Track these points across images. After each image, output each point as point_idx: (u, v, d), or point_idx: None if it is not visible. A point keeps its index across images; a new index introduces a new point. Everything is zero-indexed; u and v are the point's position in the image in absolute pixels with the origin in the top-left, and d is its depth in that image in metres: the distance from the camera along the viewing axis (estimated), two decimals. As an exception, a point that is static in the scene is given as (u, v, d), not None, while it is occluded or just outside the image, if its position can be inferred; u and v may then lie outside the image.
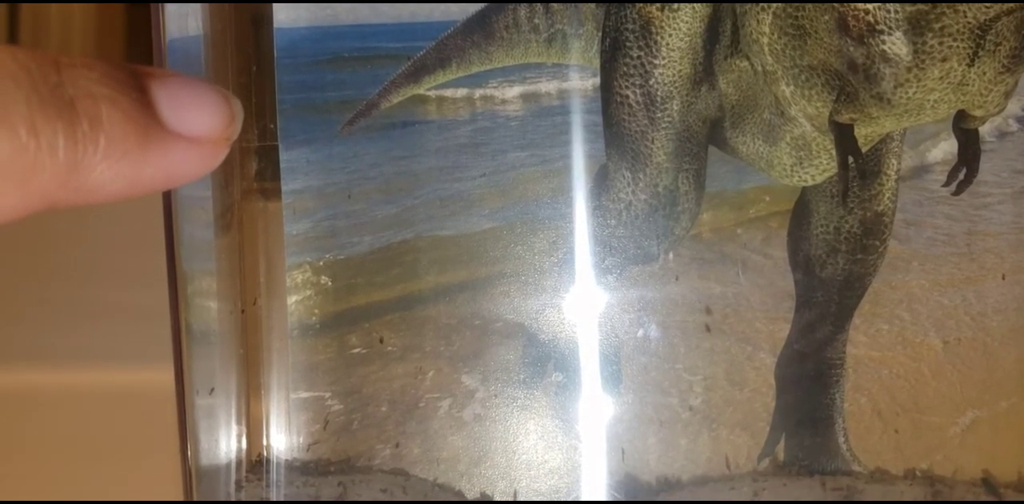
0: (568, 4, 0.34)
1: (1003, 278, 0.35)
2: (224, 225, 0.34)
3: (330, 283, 0.34)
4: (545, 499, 0.34)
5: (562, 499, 0.34)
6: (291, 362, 0.34)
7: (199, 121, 0.20)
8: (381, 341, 0.34)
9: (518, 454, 0.34)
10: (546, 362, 0.34)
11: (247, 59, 0.33)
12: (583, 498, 0.33)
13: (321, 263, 0.34)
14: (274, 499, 0.33)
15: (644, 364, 0.34)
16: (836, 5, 0.30)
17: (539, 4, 0.34)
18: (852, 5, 0.30)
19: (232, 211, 0.34)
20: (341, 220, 0.34)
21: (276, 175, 0.33)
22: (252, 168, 0.34)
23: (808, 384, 0.35)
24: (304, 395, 0.34)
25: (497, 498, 0.34)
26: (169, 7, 0.32)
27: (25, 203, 0.19)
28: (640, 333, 0.34)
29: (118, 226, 0.54)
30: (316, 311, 0.34)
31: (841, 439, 0.35)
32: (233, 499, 0.33)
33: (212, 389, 0.34)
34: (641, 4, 0.33)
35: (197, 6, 0.33)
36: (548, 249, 0.33)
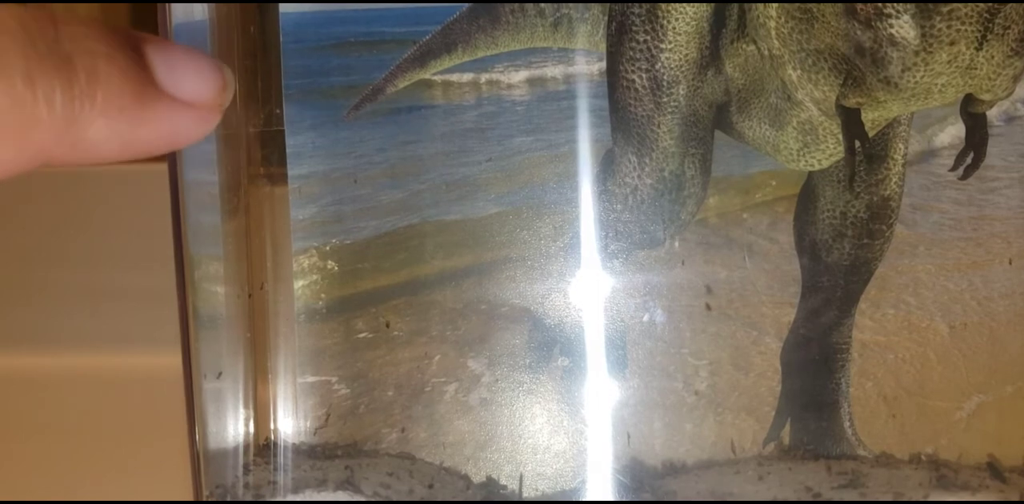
0: None
1: (1010, 263, 0.35)
2: (231, 210, 0.34)
3: (336, 268, 0.34)
4: (551, 484, 0.34)
5: (568, 485, 0.34)
6: (298, 346, 0.34)
7: (193, 85, 0.21)
8: (387, 325, 0.34)
9: (524, 438, 0.34)
10: (552, 346, 0.34)
11: (253, 44, 0.33)
12: (589, 481, 0.34)
13: (327, 248, 0.34)
14: (279, 496, 0.33)
15: (650, 349, 0.34)
16: None
17: (545, -12, 0.34)
18: (860, -11, 0.30)
19: (239, 196, 0.34)
20: (347, 205, 0.34)
21: (282, 160, 0.33)
22: (258, 153, 0.34)
23: (814, 368, 0.35)
24: (311, 379, 0.34)
25: (503, 482, 0.34)
26: None
27: (22, 157, 0.19)
28: (646, 317, 0.34)
29: (125, 210, 0.54)
30: (322, 296, 0.34)
31: (846, 423, 0.35)
32: (241, 483, 0.34)
33: (220, 373, 0.34)
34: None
35: None
36: (554, 234, 0.34)
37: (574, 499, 0.33)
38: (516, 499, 0.33)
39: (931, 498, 0.32)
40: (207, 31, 0.33)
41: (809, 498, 0.32)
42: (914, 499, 0.32)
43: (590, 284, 0.34)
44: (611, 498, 0.33)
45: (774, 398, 0.35)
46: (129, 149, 0.20)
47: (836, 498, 0.32)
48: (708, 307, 0.34)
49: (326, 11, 0.33)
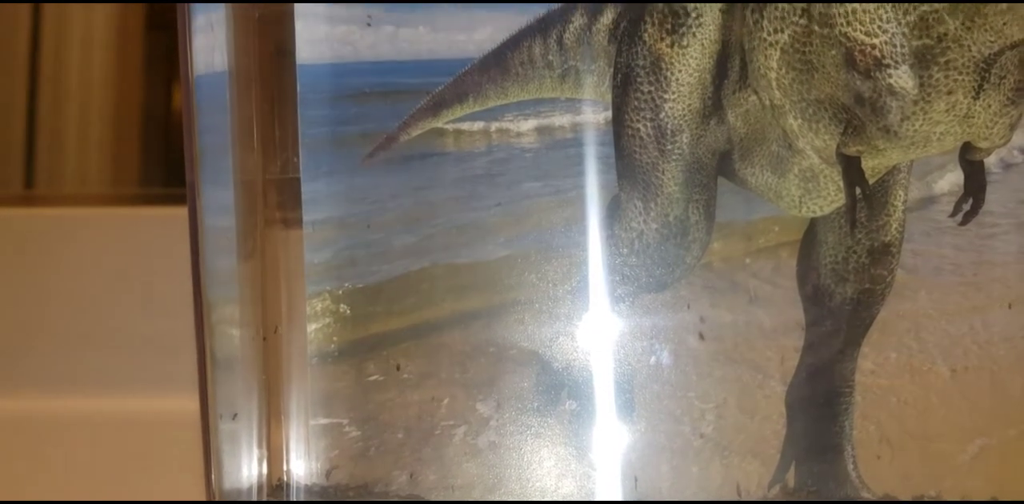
0: (581, 42, 0.35)
1: (1009, 307, 0.35)
2: (247, 254, 0.35)
3: (349, 311, 0.34)
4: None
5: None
6: (310, 389, 0.34)
7: None
8: (398, 368, 0.34)
9: (532, 481, 0.34)
10: (560, 390, 0.34)
11: (271, 93, 0.34)
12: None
13: (340, 292, 0.34)
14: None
15: (656, 392, 0.34)
16: (843, 40, 0.31)
17: (553, 42, 0.35)
18: (859, 40, 0.31)
19: (255, 240, 0.35)
20: (360, 249, 0.34)
21: (298, 205, 0.34)
22: (275, 199, 0.35)
23: (818, 412, 0.36)
24: (323, 421, 0.34)
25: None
26: (197, 43, 0.33)
27: None
28: (652, 361, 0.34)
29: (144, 254, 0.54)
30: (335, 338, 0.34)
31: (850, 466, 0.35)
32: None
33: (235, 414, 0.34)
34: (652, 41, 0.34)
35: (223, 42, 0.33)
36: (562, 277, 0.34)
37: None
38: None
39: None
40: (227, 81, 0.34)
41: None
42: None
43: (597, 327, 0.34)
44: None
45: (779, 441, 0.35)
46: None
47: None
48: (705, 344, 0.34)
49: (343, 63, 0.34)
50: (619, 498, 0.34)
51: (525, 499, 0.34)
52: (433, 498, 0.34)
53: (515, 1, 0.34)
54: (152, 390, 0.50)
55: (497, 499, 0.34)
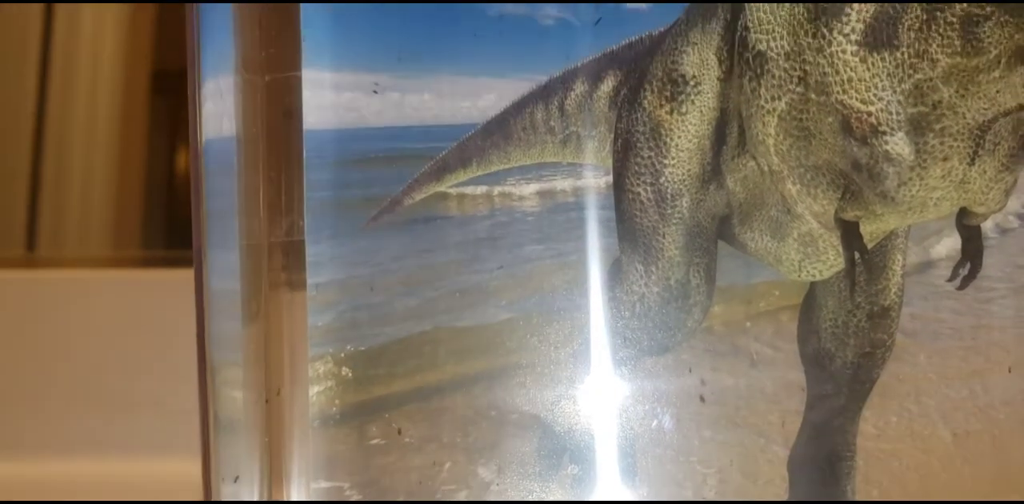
0: (582, 108, 0.35)
1: (1009, 371, 0.35)
2: (251, 316, 0.34)
3: (351, 374, 0.34)
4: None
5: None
6: (312, 452, 0.34)
7: None
8: (399, 432, 0.34)
9: (534, 547, 0.34)
10: (562, 454, 0.34)
11: (278, 158, 0.34)
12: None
13: (343, 354, 0.34)
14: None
15: (659, 456, 0.34)
16: (839, 108, 0.31)
17: (555, 108, 0.35)
18: (855, 107, 0.31)
19: (259, 303, 0.35)
20: (363, 312, 0.34)
21: (302, 268, 0.34)
22: (279, 261, 0.35)
23: (820, 476, 0.35)
24: (324, 485, 0.34)
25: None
26: (206, 109, 0.33)
27: None
28: (654, 425, 0.34)
29: (148, 316, 0.54)
30: (337, 401, 0.34)
31: (854, 531, 0.35)
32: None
33: (237, 477, 0.34)
34: (652, 108, 0.34)
35: (231, 107, 0.34)
36: (564, 340, 0.34)
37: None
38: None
39: None
40: (235, 146, 0.34)
41: None
42: None
43: (599, 391, 0.34)
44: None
45: (782, 506, 0.35)
46: None
47: None
48: (707, 408, 0.34)
49: (349, 129, 0.34)
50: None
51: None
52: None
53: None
54: (154, 453, 0.50)
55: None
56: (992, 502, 0.34)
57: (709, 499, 0.34)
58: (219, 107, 0.34)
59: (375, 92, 0.34)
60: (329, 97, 0.34)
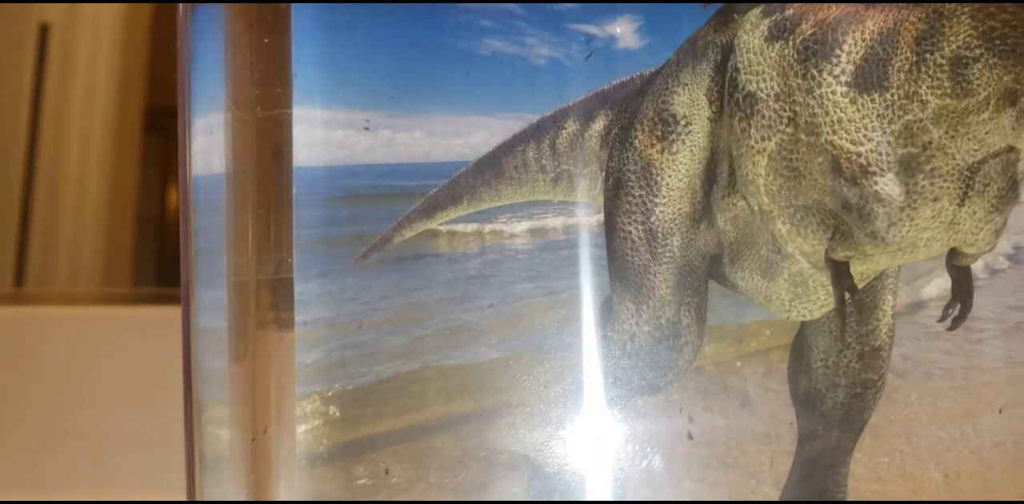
0: (574, 147, 0.35)
1: (1000, 412, 0.35)
2: (238, 355, 0.34)
3: (338, 413, 0.34)
4: None
5: None
6: (299, 491, 0.34)
7: None
8: (387, 472, 0.34)
9: (522, 590, 0.33)
10: (551, 495, 0.34)
11: (267, 195, 0.34)
12: None
13: (330, 393, 0.34)
14: None
15: (649, 496, 0.34)
16: (829, 148, 0.31)
17: (546, 146, 0.35)
18: (845, 148, 0.31)
19: (246, 341, 0.35)
20: (351, 350, 0.34)
21: (290, 306, 0.34)
22: (268, 299, 0.35)
23: (812, 518, 0.35)
24: (310, 525, 0.34)
25: None
26: (196, 145, 0.33)
27: None
28: (644, 465, 0.34)
29: (134, 355, 0.54)
30: (324, 441, 0.34)
31: (846, 574, 0.35)
32: None
33: (221, 517, 0.34)
34: (643, 147, 0.34)
35: (221, 144, 0.34)
36: (554, 379, 0.34)
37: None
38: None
39: None
40: (224, 183, 0.34)
41: None
42: None
43: (590, 431, 0.34)
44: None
45: (773, 548, 0.34)
46: None
47: None
48: (698, 448, 0.34)
49: (338, 166, 0.34)
50: None
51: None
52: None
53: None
54: (140, 491, 0.50)
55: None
56: (998, 502, 0.34)
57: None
58: (209, 144, 0.34)
59: (366, 129, 0.34)
60: (320, 134, 0.34)
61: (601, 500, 0.33)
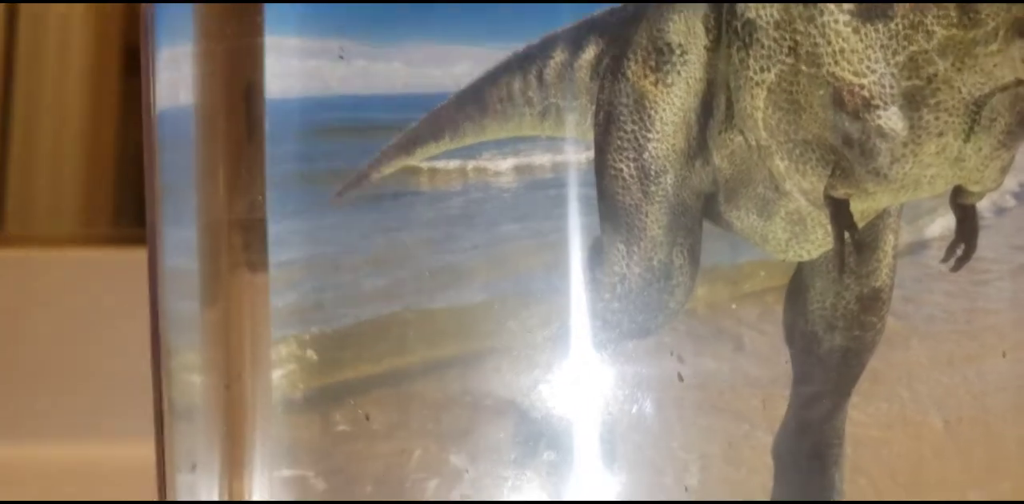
0: (563, 78, 0.34)
1: (1004, 356, 0.35)
2: (210, 298, 0.34)
3: (316, 357, 0.33)
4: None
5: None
6: (274, 439, 0.33)
7: None
8: (367, 418, 0.34)
9: (507, 537, 0.33)
10: (538, 441, 0.33)
11: (237, 130, 0.34)
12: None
13: (307, 336, 0.33)
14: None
15: (638, 442, 0.33)
16: (831, 80, 0.31)
17: (533, 78, 0.34)
18: (847, 79, 0.31)
19: (218, 283, 0.34)
20: (328, 292, 0.33)
21: (263, 247, 0.33)
22: (240, 240, 0.34)
23: (806, 463, 0.35)
24: (287, 473, 0.33)
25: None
26: (160, 77, 0.33)
27: None
28: (634, 410, 0.33)
29: (101, 295, 0.54)
30: (300, 386, 0.33)
31: (841, 521, 0.35)
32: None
33: (194, 466, 0.33)
34: (635, 79, 0.33)
35: (188, 76, 0.33)
36: (541, 323, 0.33)
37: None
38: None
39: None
40: (191, 116, 0.33)
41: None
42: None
43: (578, 375, 0.33)
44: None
45: (766, 494, 0.34)
46: None
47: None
48: (689, 393, 0.34)
49: (312, 97, 0.33)
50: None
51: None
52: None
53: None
54: (108, 437, 0.50)
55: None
56: (988, 502, 0.34)
57: (691, 485, 0.33)
58: (176, 76, 0.33)
59: (341, 58, 0.33)
60: (293, 64, 0.33)
61: (602, 500, 0.33)
